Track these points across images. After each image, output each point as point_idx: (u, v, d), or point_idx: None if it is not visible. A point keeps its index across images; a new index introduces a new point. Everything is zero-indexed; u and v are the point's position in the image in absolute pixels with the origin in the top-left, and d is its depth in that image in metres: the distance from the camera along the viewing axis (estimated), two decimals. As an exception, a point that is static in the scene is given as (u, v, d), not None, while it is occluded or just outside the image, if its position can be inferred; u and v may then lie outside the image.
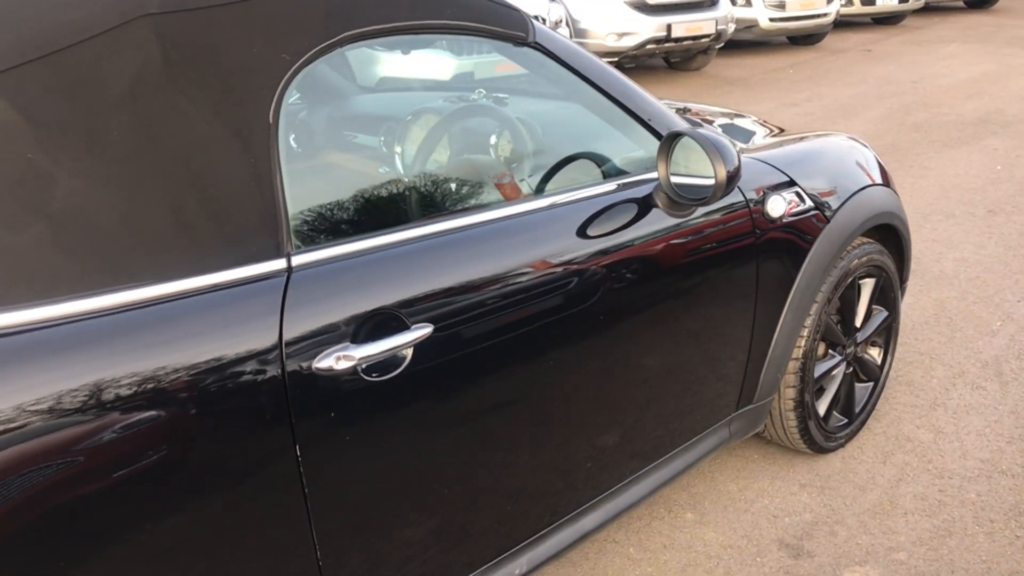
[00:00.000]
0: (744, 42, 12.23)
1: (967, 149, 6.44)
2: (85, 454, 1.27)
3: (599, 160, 2.14)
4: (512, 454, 1.86)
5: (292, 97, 1.56)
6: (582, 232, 1.90)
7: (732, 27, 9.76)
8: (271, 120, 1.51)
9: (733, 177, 1.91)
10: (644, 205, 2.06)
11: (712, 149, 1.90)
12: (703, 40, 9.29)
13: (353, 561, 1.64)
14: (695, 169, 2.00)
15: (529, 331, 1.79)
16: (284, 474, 1.48)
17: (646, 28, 8.90)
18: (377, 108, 2.86)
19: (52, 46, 1.34)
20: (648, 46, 8.99)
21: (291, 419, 1.47)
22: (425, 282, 1.64)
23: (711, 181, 1.94)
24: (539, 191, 2.07)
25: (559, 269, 1.84)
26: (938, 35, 12.78)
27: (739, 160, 1.93)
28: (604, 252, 1.93)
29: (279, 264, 1.50)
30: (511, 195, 2.02)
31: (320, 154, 2.41)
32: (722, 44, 9.82)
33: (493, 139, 2.37)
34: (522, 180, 2.13)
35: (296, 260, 1.52)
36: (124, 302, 1.35)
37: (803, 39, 12.06)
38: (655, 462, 2.27)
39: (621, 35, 8.94)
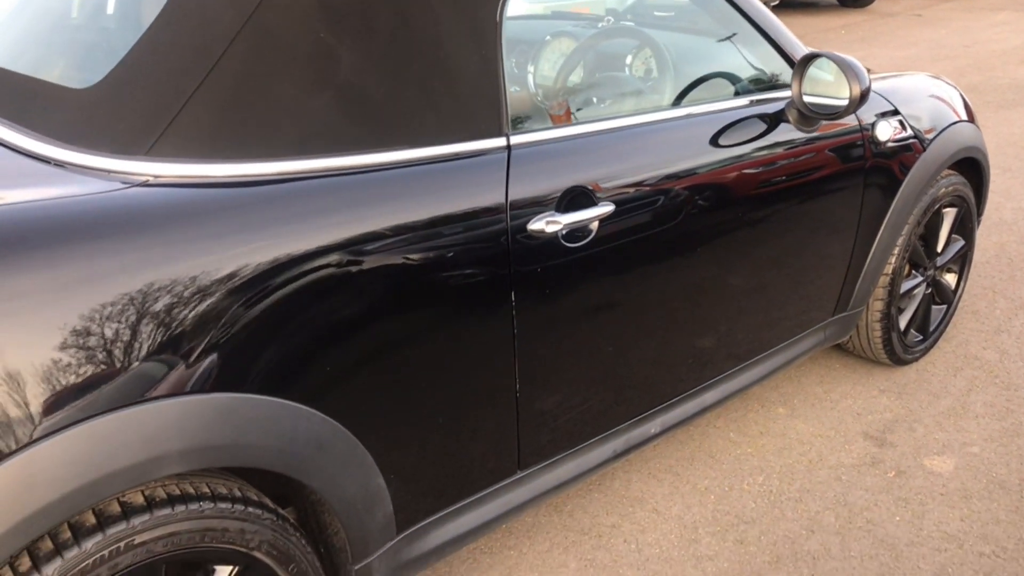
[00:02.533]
0: (795, 2, 12.32)
1: (1021, 111, 6.64)
2: (356, 280, 1.56)
3: (732, 79, 2.41)
4: (657, 327, 2.16)
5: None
6: (720, 140, 2.18)
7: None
8: (497, 20, 1.80)
9: (864, 95, 2.19)
10: (775, 120, 2.34)
11: (848, 69, 2.17)
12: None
13: (541, 395, 1.95)
14: (825, 89, 2.27)
15: (678, 222, 2.08)
16: (501, 312, 1.79)
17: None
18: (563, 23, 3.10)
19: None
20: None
21: (511, 268, 1.77)
22: (610, 167, 1.93)
23: (842, 100, 2.21)
24: (679, 103, 2.34)
25: (705, 171, 2.13)
26: (988, 2, 12.81)
27: (870, 81, 2.20)
28: (738, 158, 2.20)
29: (501, 142, 1.80)
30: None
31: (523, 56, 2.70)
32: (776, 3, 9.95)
33: (640, 56, 2.64)
34: (662, 94, 2.40)
35: (513, 140, 1.81)
36: (387, 161, 1.64)
37: (852, 1, 12.14)
38: (768, 351, 2.57)
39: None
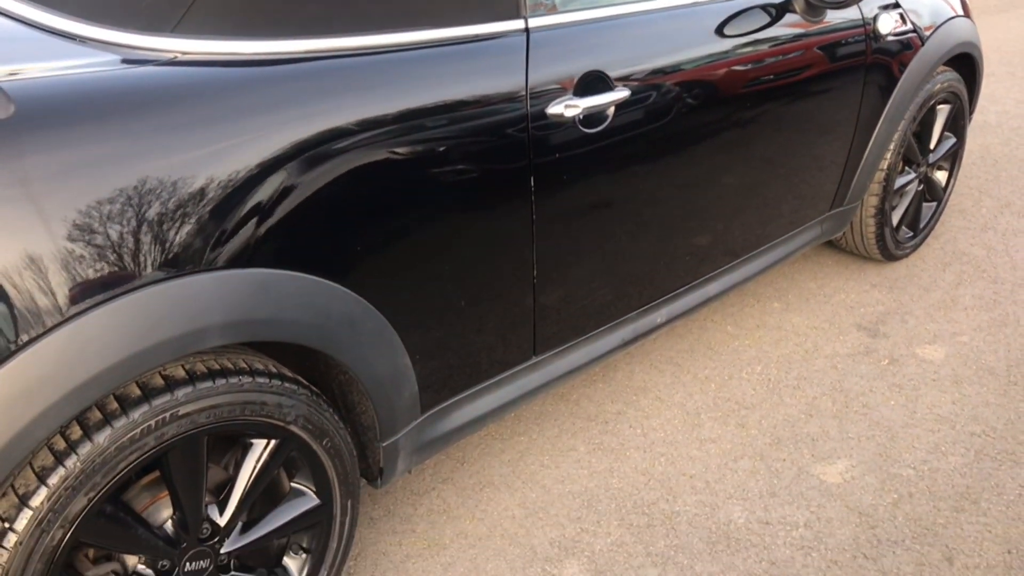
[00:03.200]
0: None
1: (1005, 16, 6.64)
2: (382, 161, 1.57)
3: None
4: (665, 218, 2.19)
5: None
6: (728, 30, 2.18)
7: None
8: (515, -101, 1.77)
9: (873, -18, 2.19)
10: (782, 10, 2.34)
11: (857, -44, 2.17)
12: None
13: (556, 283, 1.99)
14: (831, -22, 2.27)
15: (688, 111, 2.09)
16: (521, 198, 1.81)
17: None
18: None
19: None
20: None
21: (530, 153, 1.78)
22: (625, 53, 1.93)
23: (849, -12, 2.21)
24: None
25: (715, 60, 2.13)
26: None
27: (877, -32, 2.20)
28: (745, 48, 2.21)
29: (519, 24, 1.79)
30: None
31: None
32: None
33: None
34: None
35: (531, 23, 1.81)
36: (409, 41, 1.63)
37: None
38: (769, 243, 2.62)
39: None
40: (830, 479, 2.25)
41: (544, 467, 2.29)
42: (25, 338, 1.21)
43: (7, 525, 1.28)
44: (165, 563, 1.51)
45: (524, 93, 1.76)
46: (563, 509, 2.15)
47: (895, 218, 3.15)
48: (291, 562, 1.71)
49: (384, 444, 1.79)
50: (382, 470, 1.83)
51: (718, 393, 2.57)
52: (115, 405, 1.35)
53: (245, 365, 1.51)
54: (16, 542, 1.28)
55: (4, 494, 1.29)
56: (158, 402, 1.37)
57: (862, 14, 2.57)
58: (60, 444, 1.32)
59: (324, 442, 1.63)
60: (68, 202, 1.23)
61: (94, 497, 1.34)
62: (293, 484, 1.68)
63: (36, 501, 1.29)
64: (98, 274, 1.26)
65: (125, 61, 1.39)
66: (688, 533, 2.09)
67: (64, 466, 1.30)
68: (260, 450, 1.56)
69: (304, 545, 1.72)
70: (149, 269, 1.30)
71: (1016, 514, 2.11)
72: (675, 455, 2.33)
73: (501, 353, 1.97)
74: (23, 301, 1.20)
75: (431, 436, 1.90)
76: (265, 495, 1.65)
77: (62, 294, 1.23)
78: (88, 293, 1.25)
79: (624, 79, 1.92)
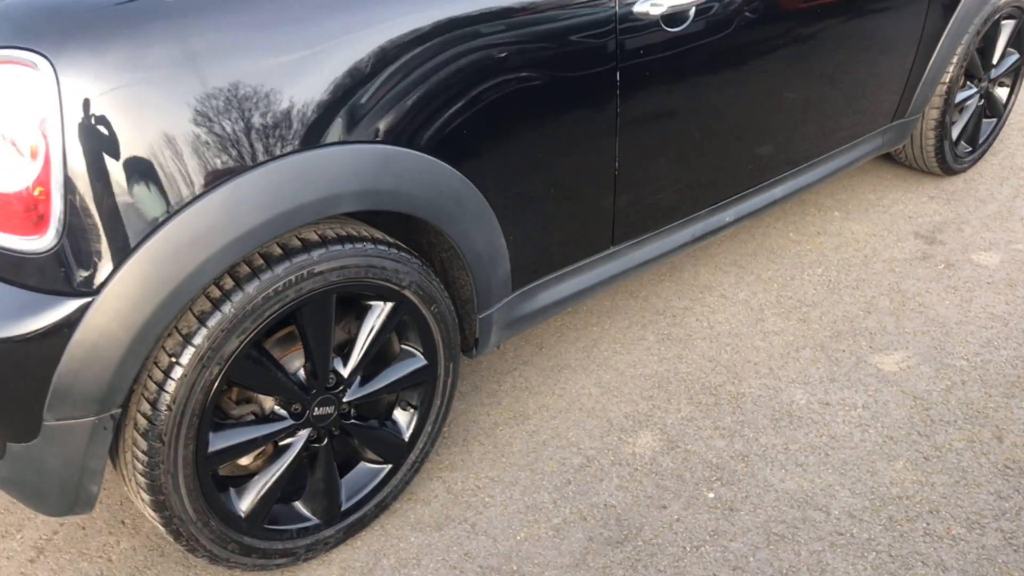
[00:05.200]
0: None
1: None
2: (488, 52, 1.71)
3: None
4: (738, 119, 2.32)
5: None
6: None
7: None
8: None
9: None
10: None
11: None
12: None
13: (635, 175, 2.14)
14: None
15: (766, 16, 2.20)
16: (608, 91, 1.95)
17: None
18: None
19: None
20: None
21: (617, 49, 1.92)
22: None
23: None
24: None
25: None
26: None
27: None
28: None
29: (607, -74, 1.91)
30: None
31: None
32: None
33: None
34: None
35: (619, -75, 1.93)
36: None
37: None
38: (835, 150, 2.74)
39: None
40: (887, 368, 2.40)
41: (616, 353, 2.47)
42: (193, 194, 1.40)
43: (174, 360, 1.49)
44: (297, 407, 1.71)
45: (614, -9, 1.89)
46: (636, 389, 2.34)
47: (955, 132, 3.24)
48: (400, 416, 1.92)
49: (480, 316, 1.97)
50: (477, 341, 2.01)
51: (780, 292, 2.72)
52: (261, 261, 1.54)
53: (367, 234, 1.69)
54: (182, 375, 1.49)
55: (170, 334, 1.49)
56: (297, 260, 1.56)
57: (931, -75, 2.64)
58: (215, 292, 1.51)
59: (432, 308, 1.82)
60: (229, 77, 1.41)
61: (244, 340, 1.54)
62: (403, 346, 1.87)
63: (198, 340, 1.49)
64: (252, 141, 1.44)
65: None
66: (753, 411, 2.26)
67: (220, 311, 1.50)
68: (378, 311, 1.75)
69: (412, 402, 1.92)
70: (295, 140, 1.48)
71: (1064, 398, 2.25)
72: (740, 345, 2.49)
73: (584, 241, 2.14)
74: (191, 162, 1.39)
75: (520, 313, 2.08)
76: (379, 355, 1.84)
77: (223, 157, 1.41)
78: (243, 158, 1.43)
79: (706, -20, 2.04)
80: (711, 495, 2.02)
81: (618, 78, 1.95)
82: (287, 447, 1.73)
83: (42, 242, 1.36)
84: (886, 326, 2.57)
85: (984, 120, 3.40)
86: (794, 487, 2.03)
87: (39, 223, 1.36)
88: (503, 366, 2.42)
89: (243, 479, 1.73)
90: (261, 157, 1.45)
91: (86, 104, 1.31)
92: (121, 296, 1.38)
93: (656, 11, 1.95)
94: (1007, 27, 3.21)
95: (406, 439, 1.92)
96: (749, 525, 1.94)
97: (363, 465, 1.90)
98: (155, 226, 1.38)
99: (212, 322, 1.50)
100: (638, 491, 2.03)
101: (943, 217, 3.12)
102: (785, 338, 2.52)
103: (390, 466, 1.91)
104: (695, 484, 2.05)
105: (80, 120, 1.31)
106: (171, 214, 1.39)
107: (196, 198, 1.41)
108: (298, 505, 1.81)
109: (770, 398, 2.30)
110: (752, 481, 2.05)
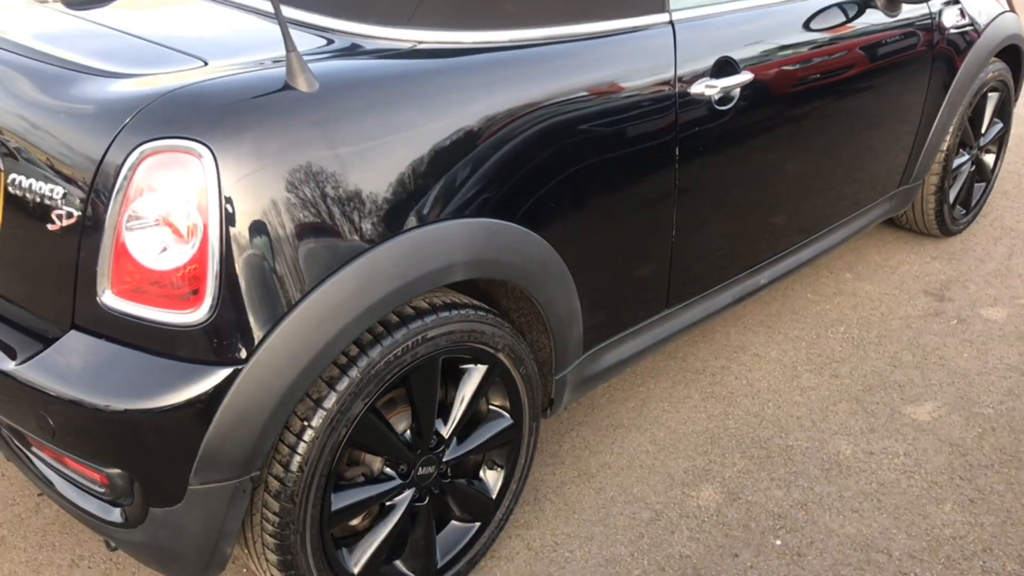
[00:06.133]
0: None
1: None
2: (568, 130, 1.85)
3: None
4: (775, 186, 2.50)
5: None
6: (830, 21, 2.49)
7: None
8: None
9: (949, -21, 2.50)
10: (862, 5, 2.65)
11: (936, -44, 2.49)
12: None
13: (689, 242, 2.29)
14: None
15: (796, 93, 2.40)
16: (669, 165, 2.11)
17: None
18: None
19: None
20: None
21: (677, 127, 2.09)
22: (747, 41, 2.25)
23: (927, -15, 2.53)
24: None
25: (820, 47, 2.45)
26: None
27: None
28: (841, 38, 2.52)
29: (664, 18, 2.10)
30: None
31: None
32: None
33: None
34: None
35: (674, 16, 2.12)
36: (581, 32, 1.94)
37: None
38: (852, 214, 2.93)
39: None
40: (920, 417, 2.55)
41: (666, 412, 2.59)
42: (333, 266, 1.51)
43: (306, 423, 1.58)
44: (403, 466, 1.80)
45: (673, 75, 2.06)
46: (690, 445, 2.45)
47: (951, 196, 3.46)
48: (488, 475, 2.01)
49: (556, 377, 2.08)
50: (552, 401, 2.12)
51: (809, 350, 2.88)
52: (381, 328, 1.65)
53: (467, 301, 1.81)
54: (313, 437, 1.58)
55: (302, 399, 1.59)
56: (413, 326, 1.67)
57: (929, 9, 2.89)
58: (342, 359, 1.61)
59: (521, 369, 1.93)
60: (365, 162, 1.54)
61: (367, 403, 1.64)
62: (491, 407, 1.97)
63: (328, 403, 1.59)
64: (383, 218, 1.57)
65: (377, 49, 1.69)
66: (803, 462, 2.38)
67: (348, 375, 1.60)
68: (477, 373, 1.86)
69: (497, 461, 2.01)
70: (417, 216, 1.61)
71: (1091, 439, 2.41)
72: (780, 400, 2.63)
73: (643, 303, 2.27)
74: (331, 237, 1.51)
75: (588, 374, 2.20)
76: (470, 416, 1.94)
77: (359, 233, 1.53)
78: (376, 233, 1.55)
79: (747, 64, 2.23)
80: (778, 542, 2.12)
81: (677, 152, 2.11)
82: (393, 506, 1.81)
83: (196, 315, 1.46)
84: (913, 379, 2.72)
85: (976, 184, 3.63)
86: (854, 532, 2.15)
87: (193, 298, 1.46)
88: (560, 427, 2.52)
89: (349, 539, 1.80)
90: (390, 232, 1.57)
91: (240, 188, 1.43)
92: (268, 364, 1.48)
93: (710, 92, 2.12)
94: (992, 99, 3.47)
95: (493, 497, 2.01)
96: (818, 569, 2.05)
97: (454, 523, 1.98)
98: (300, 297, 1.49)
99: (341, 386, 1.59)
100: (709, 541, 2.13)
101: (947, 276, 3.31)
102: (821, 393, 2.66)
103: (479, 524, 2.00)
104: (761, 533, 2.15)
105: (234, 202, 1.43)
106: (314, 286, 1.50)
107: (336, 270, 1.52)
108: (399, 564, 1.88)
109: (817, 449, 2.43)
110: (814, 527, 2.16)
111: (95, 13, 1.88)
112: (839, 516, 2.20)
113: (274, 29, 1.60)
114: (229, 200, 1.43)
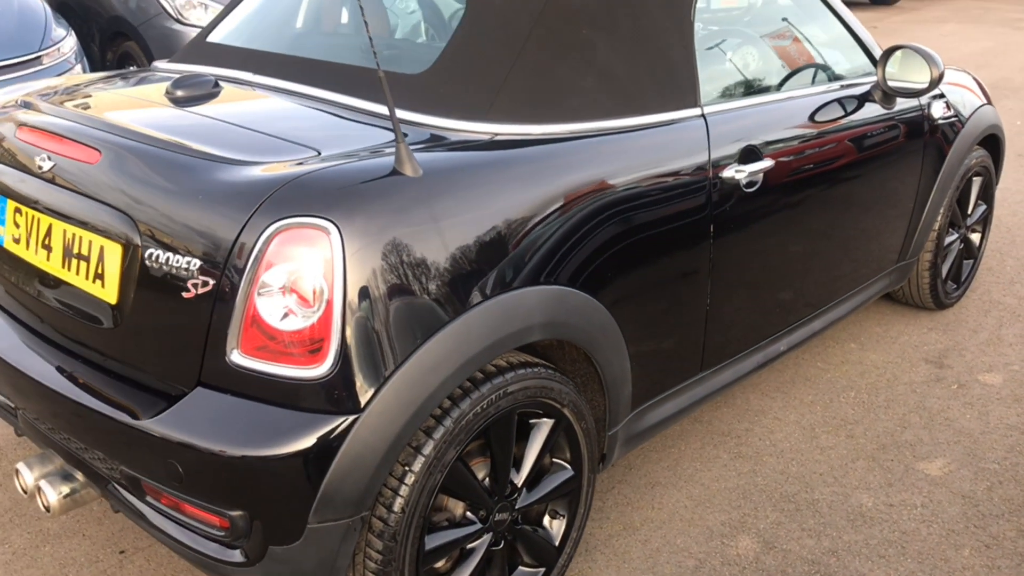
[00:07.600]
0: None
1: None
2: (622, 210, 2.10)
3: (825, 68, 3.03)
4: (792, 261, 2.75)
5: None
6: (835, 113, 2.79)
7: None
8: (691, 19, 2.39)
9: (941, 77, 2.82)
10: (862, 99, 2.96)
11: (928, 56, 2.81)
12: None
13: (721, 311, 2.52)
14: (902, 75, 2.90)
15: (809, 178, 2.67)
16: (705, 242, 2.36)
17: None
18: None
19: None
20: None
21: (711, 208, 2.35)
22: (767, 131, 2.53)
23: (922, 83, 2.84)
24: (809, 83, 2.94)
25: (831, 135, 2.74)
26: (934, 16, 13.79)
27: (943, 67, 2.84)
28: (846, 128, 2.82)
29: (697, 111, 2.38)
30: None
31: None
32: None
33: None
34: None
35: (706, 110, 2.40)
36: (630, 124, 2.21)
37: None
38: (859, 287, 3.19)
39: None
40: (933, 472, 2.76)
41: (698, 470, 2.79)
42: (436, 326, 1.73)
43: (407, 468, 1.77)
44: (483, 512, 1.98)
45: (708, 160, 2.33)
46: (724, 500, 2.64)
47: (944, 271, 3.74)
48: (551, 523, 2.19)
49: (609, 433, 2.29)
50: (604, 456, 2.32)
51: (824, 413, 3.09)
52: (469, 383, 1.86)
53: (538, 360, 2.02)
54: (414, 480, 1.77)
55: (403, 448, 1.78)
56: (496, 381, 1.88)
57: (919, 101, 3.21)
58: (437, 410, 1.82)
59: (582, 423, 2.13)
60: (462, 235, 1.77)
61: (459, 451, 1.83)
62: (554, 460, 2.17)
63: (427, 450, 1.78)
64: (477, 284, 1.79)
65: (462, 140, 1.95)
66: (829, 513, 2.58)
67: (443, 425, 1.80)
68: (546, 426, 2.06)
69: (559, 510, 2.20)
70: (502, 283, 1.83)
71: (1091, 488, 2.62)
72: (803, 459, 2.84)
73: (682, 366, 2.49)
74: (436, 301, 1.73)
75: (635, 431, 2.40)
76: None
77: (458, 296, 1.76)
78: (470, 297, 1.78)
79: (767, 151, 2.50)
80: (815, 585, 2.30)
81: (711, 229, 2.36)
82: (472, 550, 1.99)
83: (319, 371, 1.66)
84: (922, 438, 2.94)
85: (964, 261, 3.91)
86: (883, 575, 2.34)
87: (317, 355, 1.66)
88: (602, 486, 2.71)
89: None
90: (480, 296, 1.80)
91: (358, 258, 1.65)
92: (381, 413, 1.68)
93: (740, 176, 2.39)
94: (976, 183, 3.78)
95: (556, 544, 2.19)
96: (854, 608, 2.22)
97: (522, 569, 2.15)
98: (409, 353, 1.70)
99: (437, 435, 1.79)
100: (751, 585, 2.31)
101: (944, 345, 3.56)
102: (839, 451, 2.87)
103: (543, 569, 2.17)
104: (798, 577, 2.33)
105: (355, 271, 1.65)
106: (421, 343, 1.71)
107: (437, 329, 1.73)
108: (475, 606, 2.05)
109: (841, 502, 2.62)
110: (846, 572, 2.35)
111: (206, 108, 2.12)
112: (868, 561, 2.39)
113: (362, 121, 1.86)
114: (349, 269, 1.65)
